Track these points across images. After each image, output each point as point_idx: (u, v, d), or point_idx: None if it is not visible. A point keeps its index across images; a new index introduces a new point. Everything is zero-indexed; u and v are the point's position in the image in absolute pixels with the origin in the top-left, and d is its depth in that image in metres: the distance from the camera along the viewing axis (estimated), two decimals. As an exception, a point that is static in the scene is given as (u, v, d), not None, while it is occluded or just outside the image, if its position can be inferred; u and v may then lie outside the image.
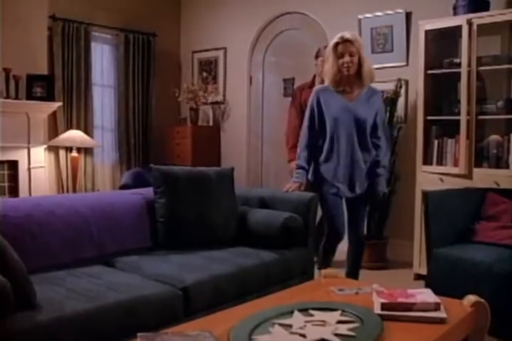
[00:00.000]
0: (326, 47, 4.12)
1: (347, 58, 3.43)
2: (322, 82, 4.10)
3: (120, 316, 2.39)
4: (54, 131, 5.80)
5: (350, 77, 3.51)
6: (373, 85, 3.73)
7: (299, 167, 3.66)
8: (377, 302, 2.10)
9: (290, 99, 5.10)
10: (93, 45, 6.16)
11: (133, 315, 2.44)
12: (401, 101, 5.02)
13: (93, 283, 2.62)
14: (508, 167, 4.13)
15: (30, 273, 2.33)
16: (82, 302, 2.33)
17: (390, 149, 3.43)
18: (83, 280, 2.65)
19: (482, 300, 2.18)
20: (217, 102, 6.69)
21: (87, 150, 6.06)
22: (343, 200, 3.71)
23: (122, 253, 3.16)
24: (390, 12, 5.20)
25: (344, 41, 3.43)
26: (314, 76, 4.69)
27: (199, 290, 2.76)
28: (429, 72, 4.51)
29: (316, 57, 4.63)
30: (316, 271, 3.44)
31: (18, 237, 2.72)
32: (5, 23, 5.14)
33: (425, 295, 2.15)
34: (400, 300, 2.08)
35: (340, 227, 3.69)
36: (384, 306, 2.06)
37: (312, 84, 4.60)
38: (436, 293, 2.20)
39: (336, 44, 3.45)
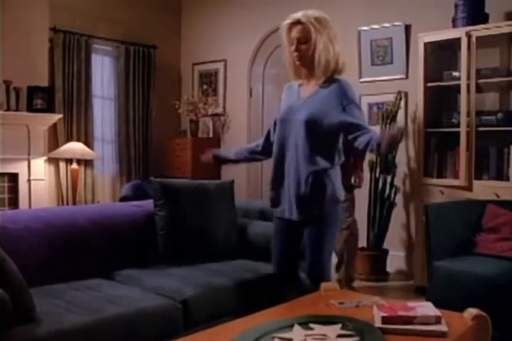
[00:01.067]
0: None
1: (294, 47, 2.73)
2: None
3: (120, 329, 2.38)
4: (54, 143, 5.81)
5: (308, 68, 2.79)
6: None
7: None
8: (377, 315, 2.09)
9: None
10: (94, 57, 6.18)
11: (133, 329, 2.44)
12: (401, 113, 5.03)
13: (93, 296, 2.61)
14: (508, 179, 4.13)
15: (29, 285, 2.32)
16: (81, 316, 2.32)
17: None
18: (83, 293, 2.65)
19: (483, 313, 2.16)
20: (217, 114, 6.70)
21: (87, 162, 6.06)
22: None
23: (122, 266, 3.15)
24: (389, 24, 5.22)
25: (295, 23, 2.72)
26: None
27: (199, 303, 2.75)
28: (429, 84, 4.52)
29: None
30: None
31: (18, 249, 2.71)
32: (6, 34, 5.16)
33: (426, 308, 2.14)
34: (401, 313, 2.07)
35: (275, 266, 2.97)
36: (384, 319, 2.04)
37: None
38: (437, 305, 2.18)
39: (289, 26, 2.75)
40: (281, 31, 2.78)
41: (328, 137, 2.75)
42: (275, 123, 2.92)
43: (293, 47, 2.73)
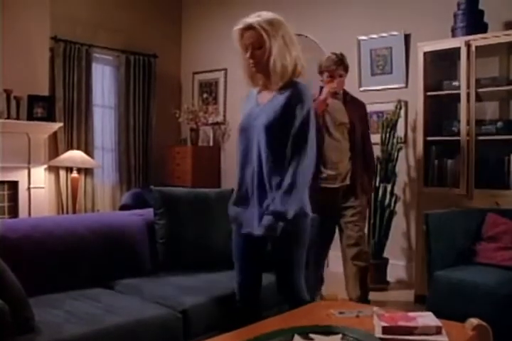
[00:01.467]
0: (328, 58, 3.94)
1: (249, 53, 2.55)
2: (335, 94, 3.89)
3: (119, 339, 2.37)
4: (54, 152, 5.81)
5: (264, 74, 2.61)
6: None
7: None
8: (378, 325, 2.08)
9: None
10: (94, 66, 6.20)
11: (132, 339, 2.43)
12: (401, 122, 5.04)
13: (92, 305, 2.60)
14: (508, 187, 4.13)
15: (28, 295, 2.31)
16: (80, 326, 2.31)
17: (305, 174, 2.54)
18: (82, 303, 2.64)
19: (484, 323, 2.16)
20: (217, 123, 6.71)
21: (87, 171, 6.06)
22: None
23: (122, 275, 3.14)
24: (389, 34, 5.24)
25: (247, 28, 2.54)
26: (321, 88, 4.01)
27: (199, 312, 2.74)
28: (429, 93, 4.53)
29: (321, 73, 3.99)
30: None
31: (17, 259, 2.70)
32: (7, 43, 5.18)
33: (426, 318, 2.13)
34: (401, 323, 2.06)
35: (240, 288, 2.79)
36: (385, 330, 2.03)
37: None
38: (438, 315, 2.18)
39: (240, 31, 2.57)
40: (233, 37, 2.60)
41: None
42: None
43: (248, 54, 2.55)
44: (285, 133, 2.52)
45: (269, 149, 2.53)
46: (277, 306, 2.94)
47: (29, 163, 5.41)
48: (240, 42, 2.58)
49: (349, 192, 3.97)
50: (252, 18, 2.53)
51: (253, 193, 2.61)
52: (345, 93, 4.05)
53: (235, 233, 2.79)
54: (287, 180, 2.48)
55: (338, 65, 3.90)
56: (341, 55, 3.97)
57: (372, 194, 4.89)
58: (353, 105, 4.03)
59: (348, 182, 3.94)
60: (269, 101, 2.60)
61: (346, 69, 3.97)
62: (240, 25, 2.55)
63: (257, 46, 2.53)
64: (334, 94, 3.91)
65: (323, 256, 4.14)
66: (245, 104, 2.76)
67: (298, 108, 2.53)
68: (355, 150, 3.97)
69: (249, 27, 2.52)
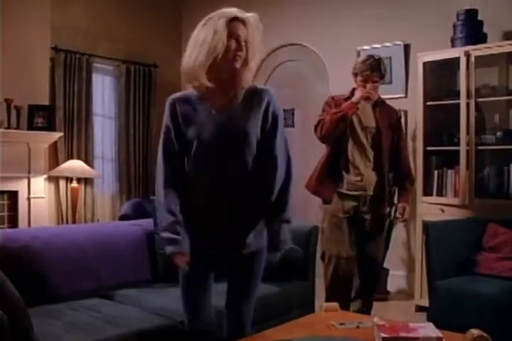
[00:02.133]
0: (364, 61, 3.64)
1: (240, 45, 2.21)
2: (351, 95, 3.65)
3: (118, 350, 2.36)
4: (54, 161, 5.80)
5: (234, 74, 2.29)
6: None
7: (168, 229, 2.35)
8: (378, 336, 2.07)
9: (293, 127, 5.04)
10: (94, 76, 6.20)
11: (131, 350, 2.42)
12: (400, 131, 5.04)
13: (91, 316, 2.60)
14: (508, 197, 4.12)
15: (28, 305, 2.30)
16: (79, 337, 2.31)
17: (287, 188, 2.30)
18: (81, 314, 2.63)
19: (485, 334, 2.15)
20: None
21: (87, 181, 6.05)
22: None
23: (121, 285, 3.14)
24: (388, 44, 5.26)
25: (238, 20, 2.20)
26: (353, 89, 3.75)
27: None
28: (428, 103, 4.54)
29: (355, 74, 3.70)
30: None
31: (16, 269, 2.70)
32: (7, 53, 5.17)
33: (427, 329, 2.12)
34: (402, 334, 2.05)
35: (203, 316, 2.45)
36: (385, 341, 2.03)
37: (350, 96, 3.71)
38: (438, 325, 2.17)
39: (228, 22, 2.19)
40: (217, 25, 2.19)
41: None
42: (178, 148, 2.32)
43: (243, 45, 2.22)
44: (257, 142, 2.26)
45: (240, 156, 2.24)
46: (275, 318, 2.94)
47: (29, 172, 5.40)
48: (224, 33, 2.18)
49: (371, 205, 3.70)
50: (243, 13, 2.22)
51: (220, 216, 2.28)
52: (378, 97, 3.77)
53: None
54: (282, 206, 2.28)
55: (374, 70, 3.61)
56: (379, 59, 3.66)
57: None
58: (383, 111, 3.75)
59: (371, 192, 3.66)
60: (235, 108, 2.28)
61: (382, 75, 3.68)
62: (229, 16, 2.20)
63: (238, 38, 2.21)
64: (367, 99, 3.64)
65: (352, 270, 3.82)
66: (186, 113, 2.39)
67: (275, 117, 2.30)
68: (381, 159, 3.67)
69: (241, 20, 2.20)
